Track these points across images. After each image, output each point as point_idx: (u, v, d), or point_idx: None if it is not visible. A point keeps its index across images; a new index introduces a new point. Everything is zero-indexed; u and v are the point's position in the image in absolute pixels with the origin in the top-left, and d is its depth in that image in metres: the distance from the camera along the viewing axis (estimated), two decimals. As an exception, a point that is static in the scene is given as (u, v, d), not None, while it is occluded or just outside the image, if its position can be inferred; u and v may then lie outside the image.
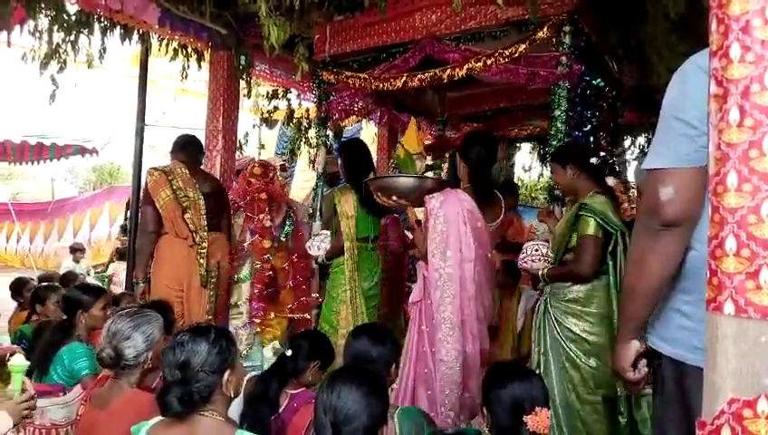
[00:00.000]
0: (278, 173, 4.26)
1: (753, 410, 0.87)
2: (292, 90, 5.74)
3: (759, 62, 0.89)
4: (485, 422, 1.94)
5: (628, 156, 5.93)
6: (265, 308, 3.95)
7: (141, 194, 3.84)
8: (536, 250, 2.90)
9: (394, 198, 2.94)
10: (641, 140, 5.99)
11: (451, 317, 2.71)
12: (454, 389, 2.72)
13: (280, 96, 5.71)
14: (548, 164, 6.24)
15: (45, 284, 4.44)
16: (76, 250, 9.08)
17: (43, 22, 4.29)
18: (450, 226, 2.73)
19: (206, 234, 3.58)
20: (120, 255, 8.21)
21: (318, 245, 3.68)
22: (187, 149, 3.79)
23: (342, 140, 4.84)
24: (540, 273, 2.86)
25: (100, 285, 3.99)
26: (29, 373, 3.02)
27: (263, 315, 3.91)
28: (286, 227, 4.18)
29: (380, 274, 3.60)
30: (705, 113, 1.00)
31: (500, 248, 5.30)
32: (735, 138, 0.91)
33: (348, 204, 3.47)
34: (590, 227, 2.64)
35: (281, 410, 2.37)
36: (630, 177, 5.13)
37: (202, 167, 4.02)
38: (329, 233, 3.64)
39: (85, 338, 3.07)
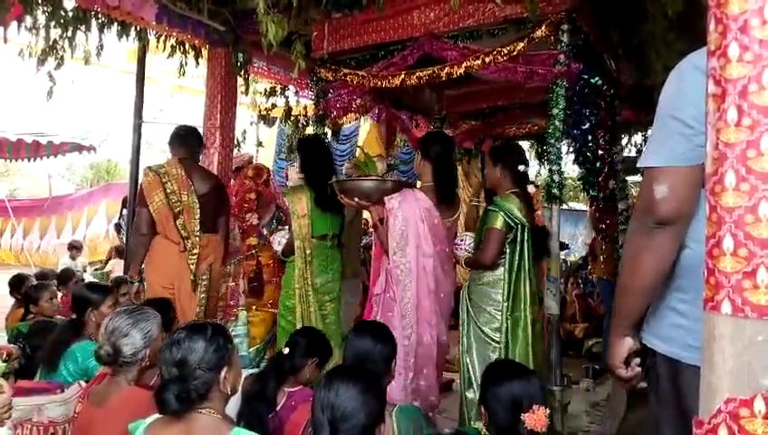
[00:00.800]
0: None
1: (749, 410, 0.87)
2: (289, 87, 5.72)
3: (757, 62, 0.89)
4: (483, 421, 1.95)
5: (625, 153, 5.93)
6: (249, 302, 4.05)
7: (138, 194, 3.82)
8: (462, 240, 3.20)
9: (356, 199, 3.13)
10: (638, 138, 6.00)
11: (411, 309, 2.95)
12: (410, 376, 2.91)
13: (278, 93, 5.70)
14: (544, 162, 6.27)
15: (38, 282, 4.43)
16: (73, 247, 9.07)
17: (40, 18, 4.27)
18: (409, 224, 2.96)
19: (198, 239, 3.53)
20: (118, 252, 8.22)
21: (279, 240, 3.78)
22: (187, 142, 3.72)
23: (300, 138, 4.84)
24: (462, 260, 3.17)
25: (107, 286, 3.97)
26: (29, 372, 3.04)
27: (233, 310, 3.96)
28: (273, 225, 4.28)
29: (340, 269, 3.67)
30: (702, 112, 1.00)
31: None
32: (733, 137, 0.91)
33: (300, 203, 3.53)
34: (495, 221, 2.99)
35: (278, 408, 2.37)
36: (629, 176, 5.15)
37: (200, 163, 4.00)
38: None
39: (95, 336, 3.08)
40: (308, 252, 3.52)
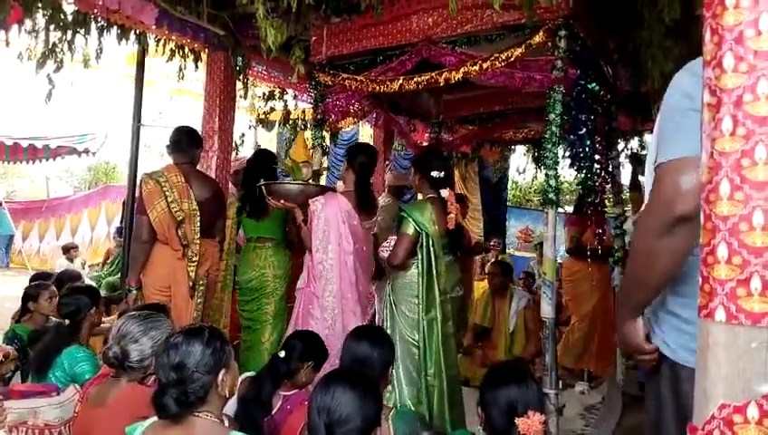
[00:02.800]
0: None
1: (743, 416, 0.88)
2: (288, 91, 5.74)
3: (752, 73, 0.90)
4: (480, 422, 1.96)
5: (621, 159, 5.95)
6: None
7: (136, 201, 3.77)
8: (388, 243, 3.37)
9: (282, 201, 3.43)
10: (634, 144, 6.03)
11: (332, 301, 3.26)
12: (337, 361, 3.05)
13: (276, 97, 5.71)
14: (541, 167, 6.29)
15: (39, 281, 4.41)
16: (69, 249, 9.05)
17: (40, 21, 4.28)
18: (330, 224, 3.26)
19: (197, 246, 3.51)
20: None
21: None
22: (186, 147, 3.66)
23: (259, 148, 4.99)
24: (385, 261, 3.37)
25: (93, 284, 3.95)
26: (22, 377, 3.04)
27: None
28: None
29: (275, 268, 3.85)
30: None
31: (469, 252, 5.46)
32: (728, 147, 0.92)
33: (230, 210, 3.95)
34: (404, 227, 3.21)
35: (274, 411, 2.38)
36: (625, 180, 5.18)
37: (198, 167, 3.99)
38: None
39: (85, 341, 3.07)
40: (229, 252, 3.97)
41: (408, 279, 3.25)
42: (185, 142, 3.67)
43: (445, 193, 3.32)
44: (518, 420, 1.79)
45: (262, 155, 4.07)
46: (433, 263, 3.19)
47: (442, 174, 3.36)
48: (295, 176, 3.64)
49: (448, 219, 3.26)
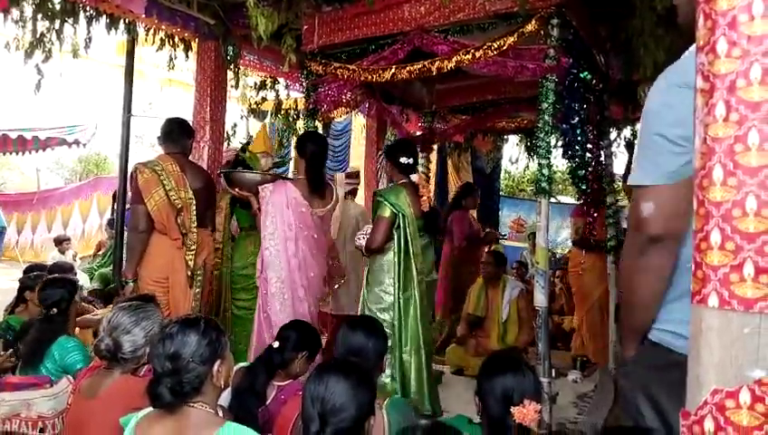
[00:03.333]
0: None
1: (735, 401, 0.88)
2: (279, 80, 5.70)
3: (745, 58, 0.90)
4: (477, 410, 1.97)
5: (614, 148, 5.96)
6: None
7: (131, 191, 3.72)
8: (363, 232, 3.53)
9: (236, 189, 3.67)
10: (627, 132, 6.04)
11: (281, 287, 3.34)
12: None
13: (268, 87, 5.67)
14: (533, 156, 6.29)
15: (37, 272, 4.38)
16: (61, 241, 9.00)
17: (27, 10, 4.22)
18: (277, 211, 3.35)
19: (195, 235, 3.51)
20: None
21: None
22: (178, 138, 3.64)
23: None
24: (363, 248, 3.49)
25: (72, 277, 3.92)
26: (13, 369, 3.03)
27: None
28: None
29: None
30: (690, 132, 1.01)
31: (470, 242, 5.62)
32: (721, 132, 0.92)
33: (223, 200, 4.09)
34: (381, 210, 3.36)
35: (268, 401, 2.38)
36: (617, 169, 5.19)
37: (189, 158, 3.97)
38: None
39: (72, 330, 3.06)
40: (227, 239, 4.10)
41: (385, 261, 3.39)
42: (176, 133, 3.64)
43: (414, 177, 3.48)
44: (513, 409, 1.80)
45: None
46: (410, 243, 3.35)
47: (410, 160, 3.51)
48: (254, 166, 3.87)
49: (422, 202, 3.42)
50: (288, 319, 3.09)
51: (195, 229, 3.51)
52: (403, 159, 3.49)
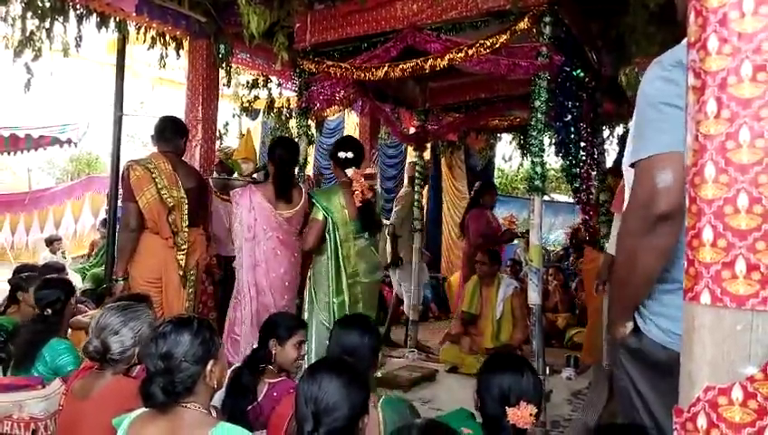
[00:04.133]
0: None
1: (727, 398, 0.88)
2: (272, 78, 5.68)
3: (736, 55, 0.90)
4: (475, 406, 1.98)
5: (607, 145, 5.97)
6: None
7: (122, 189, 3.69)
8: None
9: (216, 192, 4.05)
10: (619, 130, 6.06)
11: (246, 284, 3.47)
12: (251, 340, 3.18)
13: (260, 85, 5.65)
14: (527, 154, 6.29)
15: (26, 273, 4.35)
16: (52, 241, 8.95)
17: (17, 8, 4.18)
18: (243, 213, 3.48)
19: (186, 235, 3.50)
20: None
21: None
22: (175, 136, 3.63)
23: None
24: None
25: (65, 276, 3.90)
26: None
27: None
28: None
29: None
30: None
31: (487, 240, 5.57)
32: (713, 129, 0.92)
33: None
34: (314, 212, 3.45)
35: (260, 398, 2.40)
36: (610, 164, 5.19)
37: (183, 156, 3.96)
38: None
39: (65, 333, 3.04)
40: None
41: (323, 264, 3.47)
42: (170, 131, 3.63)
43: (350, 172, 3.46)
44: (508, 410, 1.80)
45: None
46: (339, 247, 3.42)
47: (348, 154, 3.50)
48: (239, 171, 4.13)
49: (355, 196, 3.38)
50: (250, 321, 3.36)
51: (186, 229, 3.49)
52: (341, 154, 3.49)
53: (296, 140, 4.21)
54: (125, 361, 2.16)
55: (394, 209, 5.81)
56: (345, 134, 7.64)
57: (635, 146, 1.38)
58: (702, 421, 0.90)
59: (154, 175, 3.42)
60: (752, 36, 0.89)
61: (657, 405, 1.38)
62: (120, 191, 3.92)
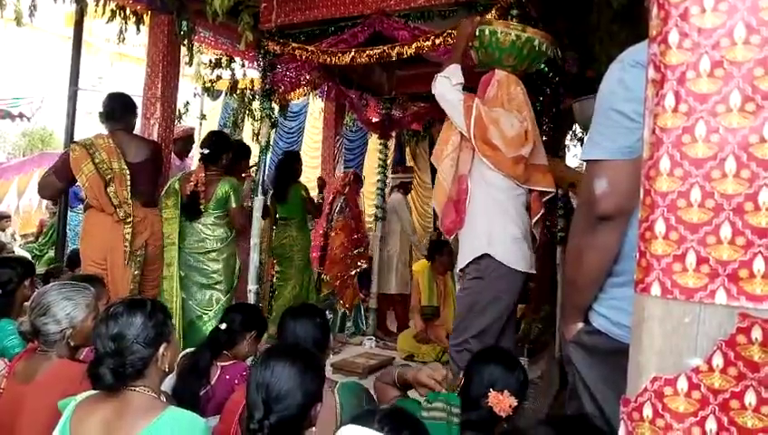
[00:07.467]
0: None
1: (673, 388, 0.90)
2: (236, 59, 5.55)
3: (695, 49, 0.91)
4: (458, 383, 1.99)
5: (567, 141, 6.06)
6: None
7: (58, 165, 3.63)
8: None
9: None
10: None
11: None
12: None
13: (223, 65, 5.52)
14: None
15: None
16: (1, 218, 8.62)
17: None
18: None
19: (131, 208, 3.46)
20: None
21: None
22: (124, 114, 3.63)
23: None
24: None
25: (27, 256, 3.79)
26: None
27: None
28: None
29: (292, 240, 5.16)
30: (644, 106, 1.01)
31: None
32: (670, 123, 0.92)
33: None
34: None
35: (212, 382, 2.36)
36: (570, 160, 5.27)
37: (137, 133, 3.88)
38: None
39: (16, 315, 2.93)
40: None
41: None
42: (118, 110, 3.63)
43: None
44: (491, 392, 1.82)
45: (288, 157, 5.39)
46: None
47: (205, 151, 3.94)
48: None
49: (189, 186, 3.79)
50: None
51: (129, 201, 3.46)
52: (202, 150, 3.99)
53: (258, 122, 4.20)
54: (61, 341, 2.09)
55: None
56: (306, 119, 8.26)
57: (584, 145, 1.45)
58: (648, 411, 0.92)
59: (91, 151, 3.44)
60: (711, 32, 0.90)
61: (605, 396, 1.40)
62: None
